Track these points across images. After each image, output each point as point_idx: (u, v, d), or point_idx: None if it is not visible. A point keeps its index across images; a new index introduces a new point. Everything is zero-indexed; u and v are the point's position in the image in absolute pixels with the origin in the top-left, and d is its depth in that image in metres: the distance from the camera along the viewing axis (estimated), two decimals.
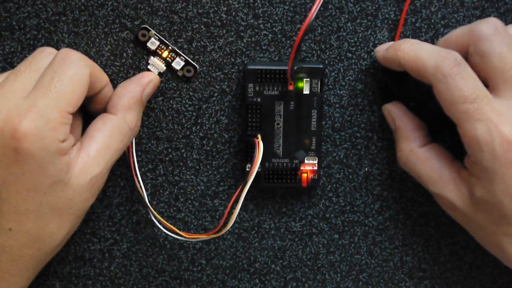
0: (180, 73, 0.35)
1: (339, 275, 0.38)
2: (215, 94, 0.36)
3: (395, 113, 0.35)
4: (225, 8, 0.35)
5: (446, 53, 0.31)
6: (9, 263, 0.30)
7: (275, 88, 0.34)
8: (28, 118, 0.28)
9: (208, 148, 0.36)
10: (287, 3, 0.35)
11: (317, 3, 0.30)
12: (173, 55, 0.35)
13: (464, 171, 0.32)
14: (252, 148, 0.34)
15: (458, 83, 0.30)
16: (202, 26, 0.35)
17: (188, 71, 0.35)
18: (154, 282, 0.38)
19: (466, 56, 0.32)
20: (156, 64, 0.35)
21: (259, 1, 0.35)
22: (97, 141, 0.31)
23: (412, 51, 0.32)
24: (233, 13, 0.35)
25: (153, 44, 0.35)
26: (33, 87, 0.30)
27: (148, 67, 0.35)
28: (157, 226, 0.35)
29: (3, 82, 0.30)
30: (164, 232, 0.35)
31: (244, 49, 0.35)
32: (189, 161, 0.36)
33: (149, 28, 0.34)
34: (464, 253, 0.38)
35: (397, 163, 0.37)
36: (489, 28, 0.31)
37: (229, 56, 0.35)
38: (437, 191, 0.33)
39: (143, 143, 0.36)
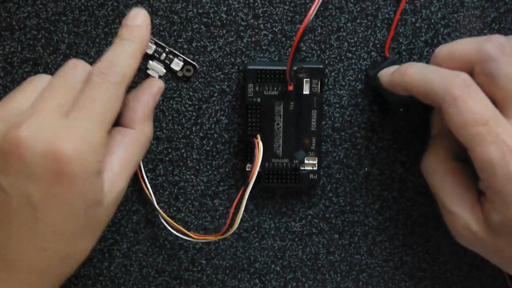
0: (180, 74, 0.35)
1: (339, 275, 0.38)
2: (215, 94, 0.36)
3: (443, 120, 0.34)
4: (225, 8, 0.35)
5: (455, 75, 0.30)
6: (38, 283, 0.30)
7: (275, 88, 0.34)
8: (72, 141, 0.28)
9: (208, 148, 0.36)
10: (287, 3, 0.35)
11: (315, 3, 0.30)
12: (170, 56, 0.35)
13: (480, 195, 0.31)
14: (252, 148, 0.34)
15: (469, 105, 0.29)
16: (202, 26, 0.35)
17: (188, 70, 0.35)
18: (154, 282, 0.38)
19: (471, 73, 0.31)
20: (156, 68, 0.35)
21: (259, 1, 0.35)
22: (119, 156, 0.31)
23: (418, 75, 0.31)
24: (233, 13, 0.35)
25: (150, 48, 0.34)
26: (73, 106, 0.29)
27: (148, 72, 0.35)
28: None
29: (39, 102, 0.30)
30: (173, 234, 0.35)
31: (244, 49, 0.35)
32: (189, 161, 0.36)
33: None
34: (464, 253, 0.38)
35: (397, 163, 0.37)
36: (495, 48, 0.30)
37: (229, 56, 0.35)
38: (455, 209, 0.32)
39: None
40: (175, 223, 0.35)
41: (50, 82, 0.31)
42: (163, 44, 0.35)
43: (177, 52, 0.35)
